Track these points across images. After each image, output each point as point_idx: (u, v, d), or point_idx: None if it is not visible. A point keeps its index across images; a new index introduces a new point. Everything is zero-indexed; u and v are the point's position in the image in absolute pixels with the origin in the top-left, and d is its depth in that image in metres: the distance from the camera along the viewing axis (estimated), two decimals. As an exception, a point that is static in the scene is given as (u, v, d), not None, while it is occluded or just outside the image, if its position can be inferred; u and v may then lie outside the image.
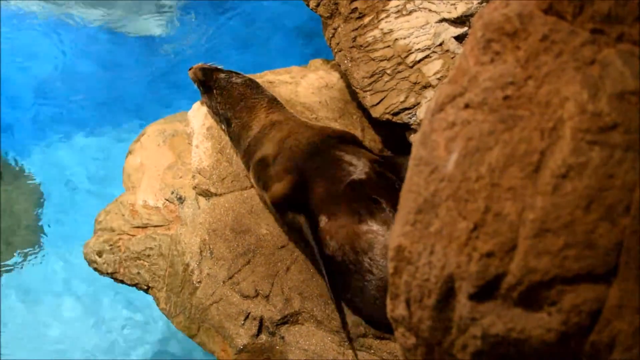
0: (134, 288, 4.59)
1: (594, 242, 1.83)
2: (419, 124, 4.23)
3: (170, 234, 4.47)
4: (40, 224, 6.84)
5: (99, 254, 4.65)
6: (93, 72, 7.84)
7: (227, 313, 4.04)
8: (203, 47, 7.83)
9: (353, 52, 4.37)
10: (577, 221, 1.84)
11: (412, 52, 4.24)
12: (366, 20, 4.32)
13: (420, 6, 4.24)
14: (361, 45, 4.34)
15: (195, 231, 4.33)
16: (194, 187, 4.49)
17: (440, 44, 4.22)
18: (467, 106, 2.07)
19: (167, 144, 4.95)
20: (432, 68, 4.22)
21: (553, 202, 1.86)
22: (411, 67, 4.25)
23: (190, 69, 4.60)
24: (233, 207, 4.32)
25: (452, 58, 4.20)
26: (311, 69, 5.15)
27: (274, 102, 4.43)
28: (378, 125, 4.58)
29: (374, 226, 3.70)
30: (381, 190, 3.82)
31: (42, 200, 6.99)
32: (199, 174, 4.47)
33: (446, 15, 4.21)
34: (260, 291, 4.04)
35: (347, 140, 4.16)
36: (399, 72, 4.27)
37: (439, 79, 4.20)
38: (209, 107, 4.57)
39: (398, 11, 4.27)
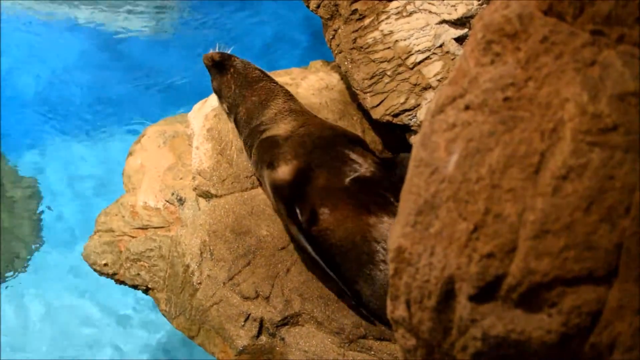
0: (134, 289, 4.59)
1: (594, 244, 1.83)
2: (419, 126, 4.23)
3: (171, 235, 4.47)
4: (40, 225, 6.84)
5: (100, 255, 4.65)
6: (93, 73, 7.84)
7: (227, 314, 4.04)
8: (203, 48, 7.83)
9: (353, 54, 4.37)
10: (578, 222, 1.84)
11: (413, 54, 4.24)
12: (366, 21, 4.33)
13: (421, 8, 4.24)
14: (361, 47, 4.35)
15: (195, 232, 4.33)
16: (195, 189, 4.49)
17: (441, 46, 4.22)
18: (467, 107, 2.07)
19: (167, 145, 4.96)
20: (433, 69, 4.22)
21: (553, 204, 1.86)
22: (411, 68, 4.25)
23: (205, 54, 4.61)
24: (233, 209, 4.32)
25: (453, 59, 4.21)
26: (311, 70, 5.15)
27: (290, 94, 4.49)
28: (378, 126, 4.59)
29: (385, 217, 3.73)
30: (387, 187, 3.85)
31: (42, 201, 6.99)
32: (200, 175, 4.47)
33: (446, 17, 4.21)
34: (260, 292, 4.04)
35: (356, 142, 4.19)
36: (399, 73, 4.27)
37: (439, 80, 4.20)
38: (219, 85, 4.54)
39: (398, 13, 4.27)
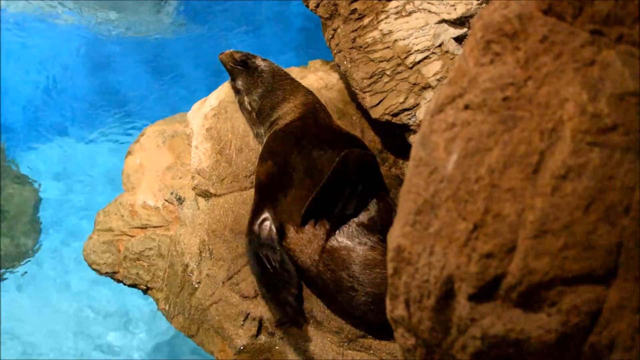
0: (133, 288, 4.59)
1: (593, 243, 1.83)
2: (418, 125, 4.23)
3: (170, 234, 4.47)
4: (39, 224, 6.84)
5: (99, 254, 4.65)
6: (92, 73, 7.84)
7: (226, 313, 4.04)
8: (202, 47, 7.84)
9: (352, 53, 4.37)
10: (577, 222, 1.84)
11: (412, 53, 4.24)
12: (365, 21, 4.32)
13: (420, 7, 4.24)
14: (361, 46, 4.34)
15: (194, 232, 4.33)
16: (194, 188, 4.49)
17: (440, 45, 4.22)
18: (466, 107, 2.08)
19: (166, 144, 4.95)
20: (432, 69, 4.22)
21: (553, 203, 1.86)
22: (411, 68, 4.25)
23: (222, 54, 4.63)
24: (232, 208, 4.32)
25: (452, 59, 4.21)
26: (310, 69, 5.15)
27: (310, 91, 4.54)
28: (377, 126, 4.58)
29: (344, 242, 3.72)
30: (347, 198, 3.84)
31: (41, 200, 6.99)
32: (199, 174, 4.47)
33: (446, 17, 4.21)
34: (259, 292, 4.04)
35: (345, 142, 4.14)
36: (398, 73, 4.27)
37: (438, 80, 4.20)
38: (247, 84, 4.54)
39: (397, 12, 4.27)
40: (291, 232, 3.86)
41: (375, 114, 4.34)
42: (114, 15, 8.27)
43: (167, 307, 4.35)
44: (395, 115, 4.29)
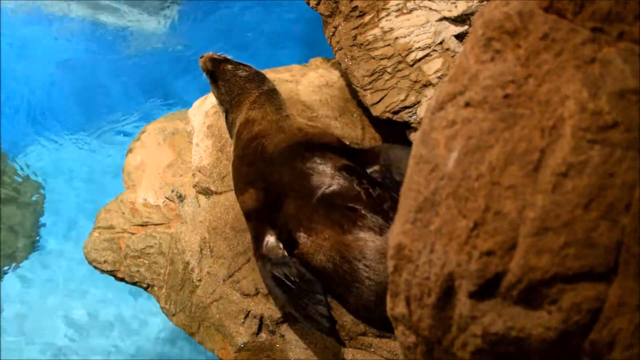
0: (134, 286, 4.59)
1: (594, 241, 1.83)
2: (419, 123, 4.23)
3: (171, 232, 4.47)
4: (40, 222, 6.84)
5: (100, 252, 4.65)
6: (92, 70, 7.83)
7: (227, 311, 4.04)
8: (203, 45, 7.83)
9: (353, 51, 4.37)
10: (578, 220, 1.84)
11: (413, 51, 4.24)
12: (366, 18, 4.32)
13: (421, 5, 4.23)
14: (361, 44, 4.34)
15: (195, 229, 4.33)
16: (194, 186, 4.49)
17: (441, 43, 4.22)
18: (467, 104, 2.07)
19: (167, 142, 4.96)
20: (433, 66, 4.22)
21: (553, 201, 1.86)
22: (411, 65, 4.24)
23: (201, 57, 4.59)
24: (233, 206, 4.32)
25: (453, 57, 4.20)
26: (311, 67, 5.15)
27: (263, 97, 4.37)
28: (378, 123, 4.58)
29: (360, 234, 3.71)
30: (355, 198, 3.82)
31: (42, 198, 6.99)
32: (199, 172, 4.47)
33: (447, 14, 4.20)
34: (260, 289, 4.04)
35: (315, 146, 4.09)
36: (399, 70, 4.27)
37: (439, 77, 4.20)
38: (215, 97, 4.55)
39: (398, 10, 4.26)
40: (303, 237, 3.83)
41: (376, 111, 4.34)
42: (115, 13, 8.26)
43: (167, 305, 4.35)
44: (396, 112, 4.29)
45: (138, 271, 4.49)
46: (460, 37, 4.21)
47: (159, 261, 4.44)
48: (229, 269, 4.13)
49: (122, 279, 4.61)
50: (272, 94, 4.41)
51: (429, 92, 4.21)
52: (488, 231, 1.92)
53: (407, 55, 4.24)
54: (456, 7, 4.17)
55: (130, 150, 5.05)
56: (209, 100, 4.82)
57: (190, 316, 4.19)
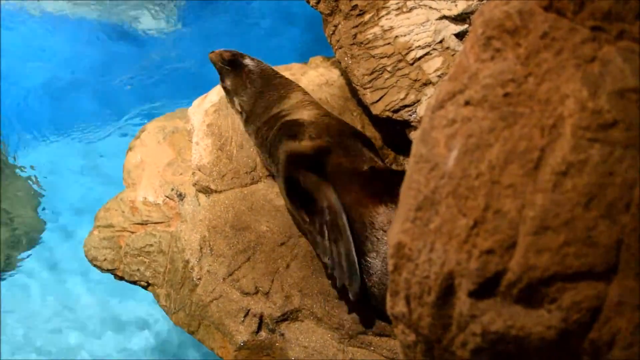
0: (134, 284, 4.59)
1: (594, 240, 1.83)
2: (419, 121, 4.23)
3: (170, 230, 4.47)
4: (40, 220, 6.84)
5: (99, 250, 4.65)
6: (92, 69, 7.84)
7: (227, 310, 4.04)
8: (202, 43, 7.83)
9: (353, 49, 4.37)
10: (577, 218, 1.84)
11: (413, 50, 4.24)
12: (366, 17, 4.32)
13: (421, 3, 4.23)
14: (361, 43, 4.34)
15: (195, 228, 4.33)
16: (194, 184, 4.49)
17: (441, 41, 4.21)
18: (467, 103, 2.07)
19: (167, 140, 4.95)
20: (433, 65, 4.22)
21: (553, 200, 1.86)
22: (411, 64, 4.24)
23: (211, 53, 4.61)
24: (233, 204, 4.32)
25: (453, 55, 4.20)
26: (311, 66, 5.15)
27: (306, 91, 4.54)
28: (378, 122, 4.58)
29: (393, 206, 3.71)
30: (398, 181, 3.86)
31: (42, 197, 6.99)
32: (199, 170, 4.47)
33: (446, 13, 4.20)
34: (260, 288, 4.04)
35: (370, 144, 4.26)
36: (399, 69, 4.27)
37: (439, 76, 4.20)
38: (234, 84, 4.53)
39: (398, 8, 4.26)
40: (340, 192, 3.85)
41: (376, 110, 4.34)
42: (115, 11, 8.27)
43: (167, 304, 4.35)
44: (396, 111, 4.29)
45: (138, 270, 4.49)
46: (460, 35, 4.21)
47: (158, 260, 4.44)
48: (228, 267, 4.13)
49: (121, 278, 4.61)
50: None
51: (429, 90, 4.21)
52: (488, 230, 1.92)
53: (407, 53, 4.24)
54: (456, 5, 4.17)
55: (130, 149, 5.05)
56: (209, 99, 4.82)
57: (190, 315, 4.19)
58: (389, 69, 4.27)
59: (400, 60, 4.26)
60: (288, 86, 4.45)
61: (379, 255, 3.69)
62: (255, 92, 4.43)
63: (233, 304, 4.04)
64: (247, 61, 4.53)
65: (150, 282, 4.47)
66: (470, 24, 4.18)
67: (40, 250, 6.65)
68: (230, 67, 4.51)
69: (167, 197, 4.59)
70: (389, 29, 4.27)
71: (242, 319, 4.00)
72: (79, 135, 7.44)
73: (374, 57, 4.31)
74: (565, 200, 1.85)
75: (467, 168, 1.99)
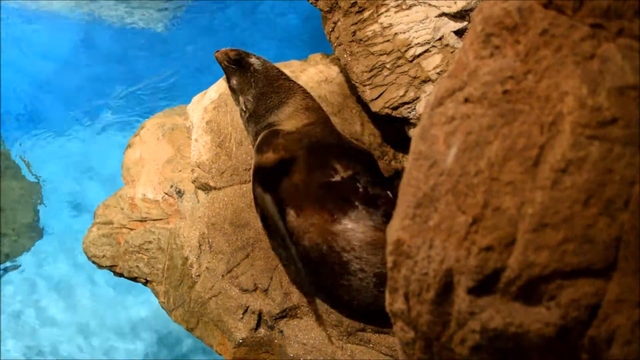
0: (133, 281, 4.59)
1: (593, 237, 1.83)
2: (418, 118, 4.23)
3: (169, 227, 4.47)
4: (40, 217, 6.84)
5: (98, 247, 4.65)
6: (92, 66, 7.83)
7: (225, 307, 4.04)
8: (202, 40, 7.83)
9: (352, 46, 4.37)
10: (576, 216, 1.84)
11: (412, 47, 4.24)
12: (366, 14, 4.32)
13: (420, 0, 4.23)
14: (361, 40, 4.34)
15: (194, 225, 4.33)
16: (193, 181, 4.49)
17: (440, 39, 4.21)
18: (466, 100, 2.07)
19: (166, 137, 4.95)
20: (432, 62, 4.22)
21: (552, 197, 1.86)
22: (411, 61, 4.24)
23: (217, 52, 4.60)
24: (232, 201, 4.32)
25: (452, 52, 4.20)
26: (311, 63, 5.14)
27: (307, 92, 4.50)
28: (377, 119, 4.58)
29: (349, 224, 3.71)
30: (352, 190, 3.84)
31: (41, 194, 6.99)
32: (198, 167, 4.47)
33: (446, 10, 4.20)
34: (259, 285, 4.04)
35: (353, 157, 4.15)
36: (398, 66, 4.27)
37: (438, 73, 4.20)
38: (240, 83, 4.52)
39: (398, 5, 4.26)
40: (292, 215, 3.85)
41: (375, 107, 4.33)
42: (115, 9, 8.26)
43: (166, 300, 4.35)
44: (395, 108, 4.29)
45: (137, 266, 4.49)
46: (459, 33, 4.20)
47: (157, 257, 4.44)
48: (227, 264, 4.14)
49: (120, 274, 4.61)
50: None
51: (428, 88, 4.21)
52: (487, 227, 1.92)
53: (406, 51, 4.24)
54: (455, 3, 4.17)
55: (129, 146, 5.05)
56: (208, 96, 4.81)
57: (189, 312, 4.19)
58: (388, 66, 4.27)
59: (399, 58, 4.25)
60: (290, 90, 4.41)
61: (354, 275, 3.69)
62: (259, 92, 4.42)
63: (232, 301, 4.05)
64: (253, 60, 4.51)
65: (149, 279, 4.47)
66: (469, 21, 4.18)
67: (39, 247, 6.64)
68: (236, 66, 4.50)
69: (166, 194, 4.59)
70: (388, 26, 4.27)
71: (241, 316, 4.00)
72: (78, 132, 7.43)
73: (373, 54, 4.30)
74: (564, 197, 1.85)
75: (466, 165, 1.99)
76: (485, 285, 1.93)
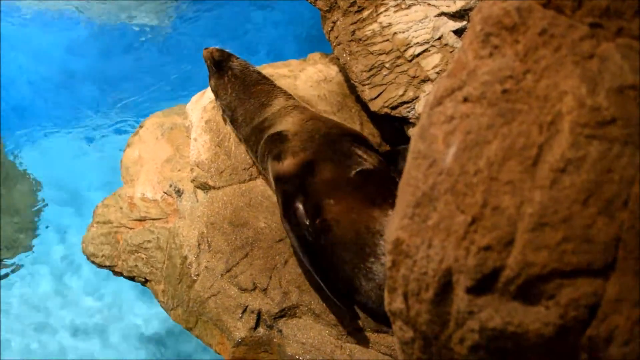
0: (132, 281, 4.60)
1: (592, 236, 1.83)
2: (417, 118, 4.23)
3: (169, 227, 4.47)
4: (39, 217, 6.84)
5: (97, 246, 4.65)
6: (91, 66, 7.84)
7: (224, 306, 4.04)
8: (201, 39, 7.83)
9: (352, 46, 4.37)
10: (575, 215, 1.84)
11: (411, 46, 4.24)
12: (365, 13, 4.32)
13: (419, 0, 4.23)
14: (360, 39, 4.34)
15: (193, 224, 4.33)
16: (192, 180, 4.49)
17: (439, 38, 4.21)
18: (465, 100, 2.07)
19: (165, 137, 4.95)
20: (431, 62, 4.22)
21: (551, 196, 1.86)
22: (410, 61, 4.24)
23: (205, 49, 4.59)
24: (231, 200, 4.32)
25: (451, 52, 4.20)
26: (310, 62, 5.14)
27: (290, 94, 4.49)
28: (376, 119, 4.58)
29: (389, 210, 3.71)
30: (391, 181, 3.86)
31: (41, 194, 6.99)
32: (197, 167, 4.47)
33: (445, 9, 4.20)
34: (258, 284, 4.04)
35: (360, 140, 4.18)
36: (397, 65, 4.27)
37: (437, 72, 4.20)
38: (216, 86, 4.52)
39: (397, 5, 4.26)
40: (331, 204, 3.83)
41: (375, 106, 4.34)
42: (114, 8, 8.26)
43: (165, 300, 4.35)
44: (394, 108, 4.29)
45: (136, 266, 4.49)
46: (458, 32, 4.20)
47: (156, 256, 4.44)
48: (226, 263, 4.14)
49: (119, 274, 4.62)
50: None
51: (428, 87, 4.21)
52: (486, 226, 1.92)
53: (405, 50, 4.24)
54: (455, 2, 4.17)
55: (128, 145, 5.06)
56: (207, 95, 4.82)
57: (188, 311, 4.19)
58: (387, 65, 4.27)
59: (398, 57, 4.26)
60: (270, 93, 4.40)
61: (378, 259, 3.68)
62: (235, 98, 4.42)
63: (231, 300, 4.05)
64: (233, 64, 4.49)
65: (148, 278, 4.47)
66: (468, 21, 4.18)
67: (39, 246, 6.64)
68: (216, 68, 4.50)
69: (165, 193, 4.59)
70: (387, 26, 4.27)
71: (240, 315, 4.00)
72: (77, 131, 7.45)
73: (372, 53, 4.30)
74: (563, 197, 1.85)
75: (465, 164, 1.99)
76: (484, 284, 1.93)
